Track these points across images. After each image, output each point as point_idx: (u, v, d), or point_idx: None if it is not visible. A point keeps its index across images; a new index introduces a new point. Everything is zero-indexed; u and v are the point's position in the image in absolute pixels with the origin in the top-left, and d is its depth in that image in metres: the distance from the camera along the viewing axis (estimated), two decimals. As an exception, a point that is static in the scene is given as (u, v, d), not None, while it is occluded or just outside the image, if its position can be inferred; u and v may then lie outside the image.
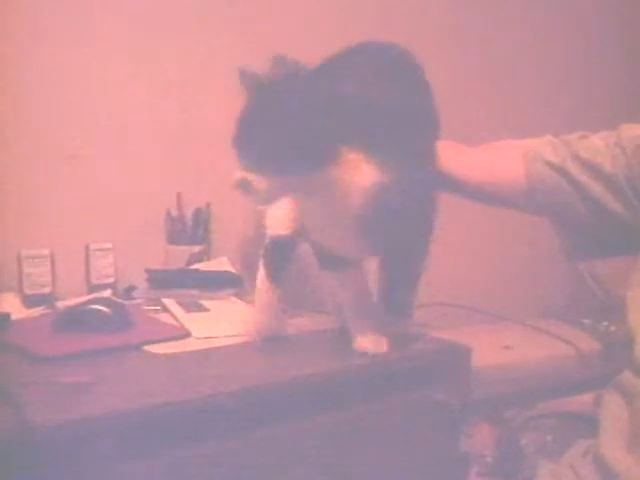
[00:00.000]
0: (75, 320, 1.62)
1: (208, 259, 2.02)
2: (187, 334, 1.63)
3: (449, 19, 2.44)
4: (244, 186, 1.38)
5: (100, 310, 1.63)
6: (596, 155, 1.51)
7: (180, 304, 1.77)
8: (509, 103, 2.53)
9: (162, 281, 1.91)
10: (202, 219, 2.04)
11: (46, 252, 1.88)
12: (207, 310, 1.77)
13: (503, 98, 2.53)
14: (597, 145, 1.52)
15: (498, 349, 2.18)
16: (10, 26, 1.90)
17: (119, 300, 1.77)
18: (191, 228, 2.03)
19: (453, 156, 1.65)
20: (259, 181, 1.36)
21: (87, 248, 1.94)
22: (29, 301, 1.83)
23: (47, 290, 1.86)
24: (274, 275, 1.63)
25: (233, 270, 1.97)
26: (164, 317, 1.74)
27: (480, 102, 2.47)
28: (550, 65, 2.61)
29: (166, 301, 1.79)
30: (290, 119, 1.34)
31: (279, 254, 1.63)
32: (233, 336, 1.60)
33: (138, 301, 1.85)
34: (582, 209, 1.52)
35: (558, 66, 2.62)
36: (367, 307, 1.58)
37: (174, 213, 2.04)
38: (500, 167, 1.63)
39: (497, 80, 2.52)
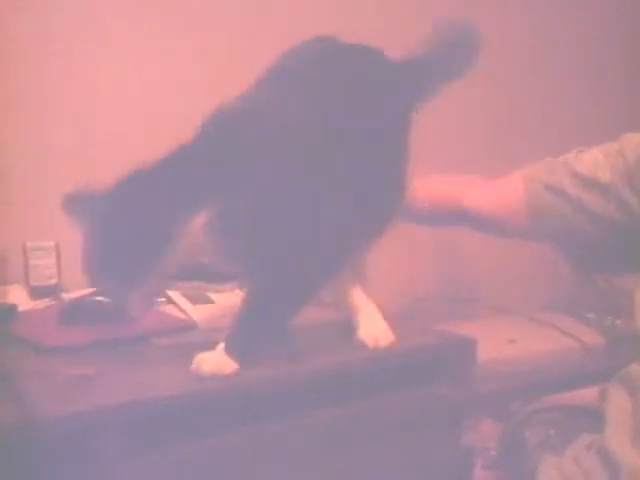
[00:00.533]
0: (81, 312, 1.62)
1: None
2: (193, 326, 1.64)
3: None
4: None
5: (106, 302, 1.63)
6: (595, 169, 1.50)
7: (186, 296, 1.78)
8: (508, 106, 2.53)
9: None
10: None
11: (52, 244, 1.88)
12: (213, 302, 1.77)
13: (502, 101, 2.53)
14: (596, 158, 1.52)
15: (503, 342, 2.19)
16: (17, 26, 1.92)
17: (125, 292, 1.78)
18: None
19: (454, 188, 1.65)
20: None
21: (92, 240, 1.95)
22: (35, 293, 1.84)
23: (53, 282, 1.87)
24: None
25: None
26: (170, 309, 1.74)
27: (478, 106, 2.47)
28: (550, 72, 2.59)
29: (171, 293, 1.79)
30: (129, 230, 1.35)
31: None
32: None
33: (143, 293, 1.85)
34: (587, 227, 1.51)
35: (558, 73, 2.61)
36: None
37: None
38: (501, 196, 1.63)
39: (496, 84, 2.51)
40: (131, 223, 1.34)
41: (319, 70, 1.51)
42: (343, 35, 1.54)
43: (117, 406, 1.30)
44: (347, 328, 1.56)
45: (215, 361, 1.39)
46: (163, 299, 1.79)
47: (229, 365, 1.39)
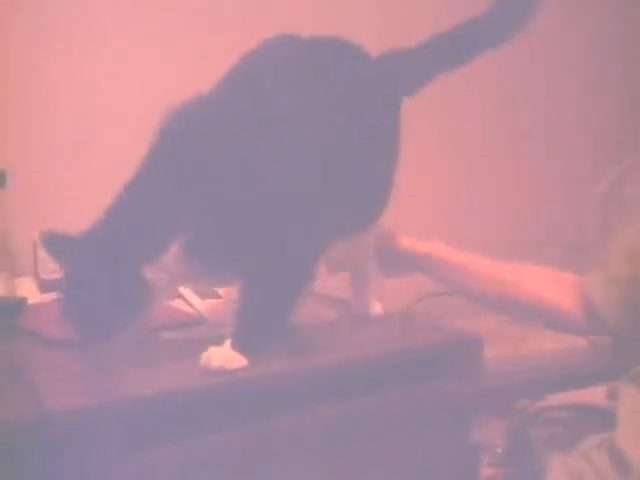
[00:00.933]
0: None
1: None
2: (201, 320, 1.63)
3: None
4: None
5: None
6: None
7: (194, 291, 1.76)
8: (508, 106, 2.53)
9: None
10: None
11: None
12: (221, 297, 1.75)
13: (501, 101, 2.53)
14: None
15: (510, 340, 2.18)
16: (17, 26, 1.93)
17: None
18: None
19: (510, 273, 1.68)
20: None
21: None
22: (44, 286, 1.84)
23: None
24: None
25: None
26: (178, 303, 1.73)
27: (478, 106, 2.47)
28: (550, 71, 2.60)
29: (180, 288, 1.77)
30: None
31: None
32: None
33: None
34: None
35: (558, 73, 2.62)
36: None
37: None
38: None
39: (496, 84, 2.52)
40: (107, 269, 1.36)
41: (282, 69, 1.51)
42: (343, 35, 1.54)
43: (126, 399, 1.30)
44: (353, 326, 1.57)
45: (224, 356, 1.38)
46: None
47: (238, 360, 1.38)
